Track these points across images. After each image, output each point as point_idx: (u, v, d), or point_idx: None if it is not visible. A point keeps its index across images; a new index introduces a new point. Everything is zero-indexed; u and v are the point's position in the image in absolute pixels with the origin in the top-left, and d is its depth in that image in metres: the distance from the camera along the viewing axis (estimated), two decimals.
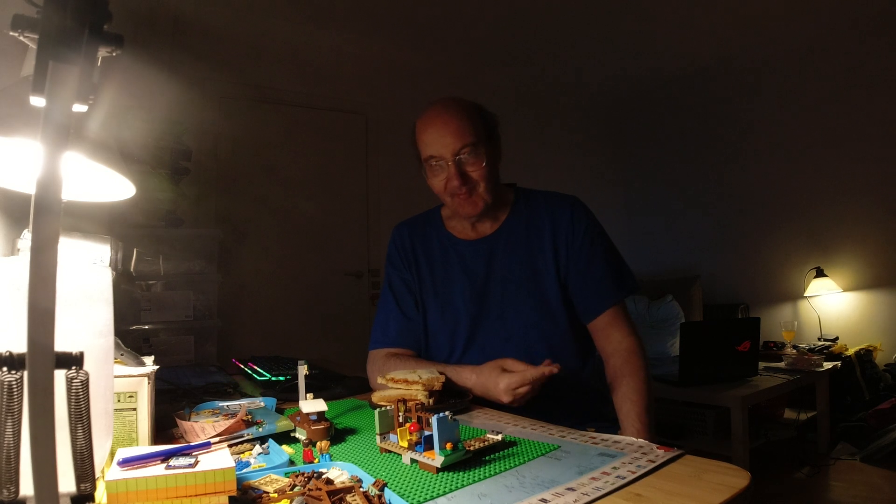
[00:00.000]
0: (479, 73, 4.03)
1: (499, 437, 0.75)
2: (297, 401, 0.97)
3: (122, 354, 0.74)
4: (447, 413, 0.68)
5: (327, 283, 3.40)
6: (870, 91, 3.34)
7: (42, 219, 0.34)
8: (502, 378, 1.00)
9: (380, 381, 1.00)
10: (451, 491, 0.60)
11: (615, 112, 4.91)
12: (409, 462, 0.69)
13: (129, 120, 2.01)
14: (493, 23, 3.42)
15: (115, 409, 0.69)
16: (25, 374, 0.34)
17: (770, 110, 3.85)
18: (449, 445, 0.66)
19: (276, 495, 0.56)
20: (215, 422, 0.85)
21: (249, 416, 0.86)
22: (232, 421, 0.79)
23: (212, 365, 1.78)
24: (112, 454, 0.61)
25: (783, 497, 2.31)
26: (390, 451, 0.74)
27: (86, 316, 0.58)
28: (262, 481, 0.60)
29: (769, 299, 3.85)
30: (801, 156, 3.68)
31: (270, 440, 0.77)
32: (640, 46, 3.79)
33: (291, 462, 0.69)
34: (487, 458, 0.70)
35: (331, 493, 0.54)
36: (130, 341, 2.00)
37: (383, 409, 0.75)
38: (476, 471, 0.65)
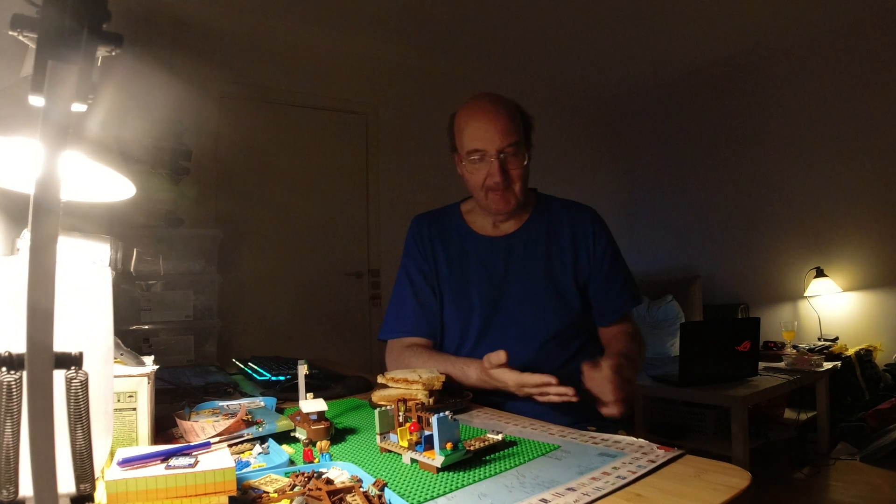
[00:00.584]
0: (479, 73, 4.03)
1: (499, 437, 0.75)
2: (297, 401, 0.97)
3: (122, 354, 0.74)
4: (447, 413, 0.68)
5: (327, 283, 3.40)
6: (870, 91, 3.34)
7: (41, 218, 0.34)
8: (511, 374, 1.01)
9: (380, 380, 1.00)
10: (451, 491, 0.59)
11: (615, 112, 4.91)
12: (409, 462, 0.69)
13: (129, 120, 2.01)
14: (494, 23, 3.42)
15: (115, 409, 0.69)
16: (25, 374, 0.34)
17: (770, 110, 3.85)
18: (449, 445, 0.66)
19: (276, 495, 0.56)
20: (215, 422, 0.85)
21: (249, 416, 0.86)
22: (232, 421, 0.79)
23: (212, 365, 1.78)
24: (112, 454, 0.61)
25: (783, 497, 2.31)
26: (390, 451, 0.74)
27: (85, 316, 0.58)
28: (262, 481, 0.60)
29: (769, 299, 3.85)
30: (801, 156, 3.68)
31: (270, 440, 0.77)
32: (640, 47, 3.79)
33: (291, 462, 0.69)
34: (487, 458, 0.70)
35: (331, 493, 0.54)
36: (130, 341, 2.00)
37: (383, 408, 0.75)
38: (476, 471, 0.65)
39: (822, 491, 2.34)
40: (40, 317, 0.33)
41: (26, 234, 0.71)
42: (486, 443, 0.72)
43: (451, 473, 0.65)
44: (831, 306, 3.54)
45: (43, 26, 0.36)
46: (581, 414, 1.17)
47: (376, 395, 0.97)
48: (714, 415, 2.53)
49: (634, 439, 0.75)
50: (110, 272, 0.63)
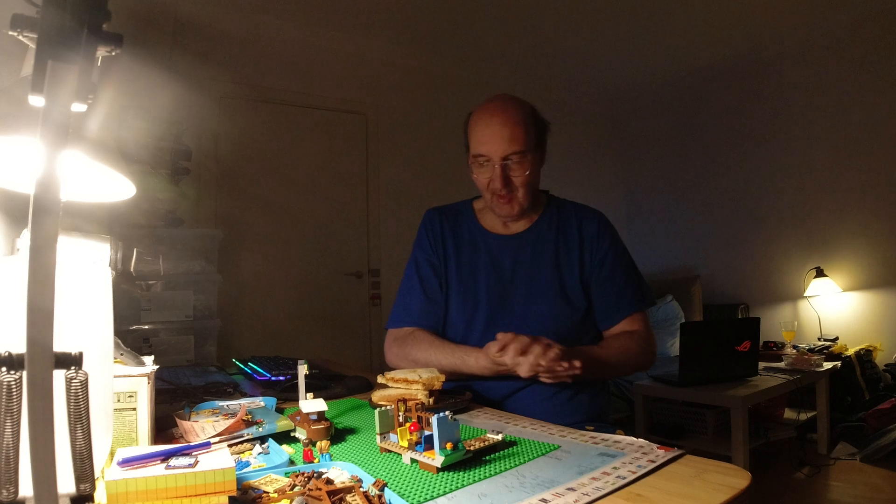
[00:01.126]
0: (479, 73, 4.03)
1: (499, 437, 0.74)
2: (297, 401, 0.97)
3: (122, 354, 0.74)
4: (447, 413, 0.68)
5: (327, 283, 3.40)
6: (870, 91, 3.34)
7: (41, 218, 0.34)
8: (521, 356, 1.01)
9: (380, 380, 1.00)
10: (451, 491, 0.59)
11: (616, 112, 4.91)
12: (409, 462, 0.69)
13: (129, 120, 2.01)
14: (494, 23, 3.42)
15: (115, 409, 0.69)
16: (24, 374, 0.34)
17: (770, 110, 3.85)
18: (449, 445, 0.66)
19: (276, 495, 0.56)
20: (215, 422, 0.85)
21: (249, 416, 0.86)
22: (232, 421, 0.79)
23: (212, 365, 1.78)
24: (112, 454, 0.61)
25: (783, 497, 2.31)
26: (390, 451, 0.74)
27: (85, 316, 0.58)
28: (262, 481, 0.60)
29: (769, 299, 3.85)
30: (801, 156, 3.68)
31: (270, 440, 0.77)
32: (641, 48, 3.79)
33: (291, 462, 0.69)
34: (487, 458, 0.70)
35: (331, 493, 0.54)
36: (130, 341, 2.00)
37: (383, 408, 0.75)
38: (476, 471, 0.65)
39: (822, 491, 2.34)
40: (40, 317, 0.33)
41: (26, 234, 0.71)
42: (486, 443, 0.72)
43: (451, 473, 0.65)
44: (831, 306, 3.54)
45: (43, 26, 0.36)
46: (581, 414, 1.18)
47: (376, 395, 0.97)
48: (714, 415, 2.53)
49: (634, 439, 0.75)
50: (110, 272, 0.63)
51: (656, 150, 4.66)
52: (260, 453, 0.72)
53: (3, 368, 0.36)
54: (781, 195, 3.78)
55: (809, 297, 3.56)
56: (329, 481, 0.58)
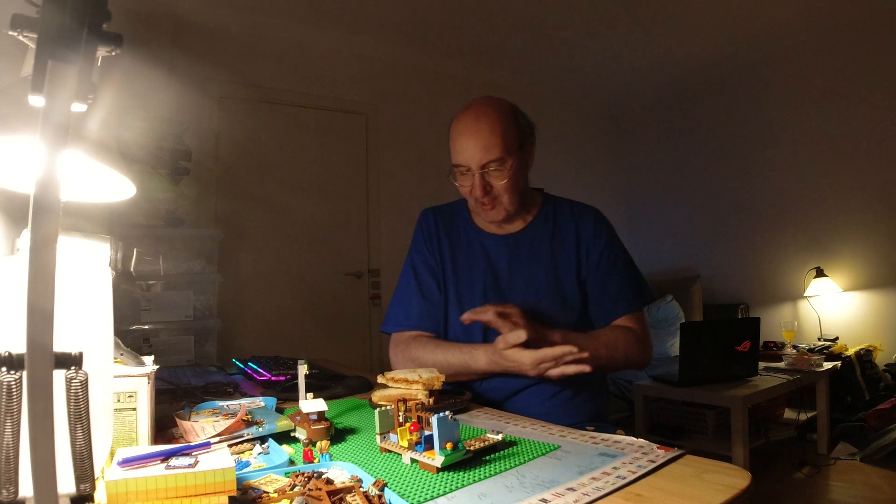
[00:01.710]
0: (479, 73, 4.03)
1: (499, 437, 0.74)
2: (297, 400, 0.97)
3: (122, 354, 0.74)
4: (447, 413, 0.68)
5: (327, 283, 3.40)
6: (870, 91, 3.34)
7: (41, 218, 0.34)
8: (527, 353, 1.01)
9: (380, 380, 1.00)
10: (451, 491, 0.59)
11: (615, 112, 4.91)
12: (409, 462, 0.69)
13: (129, 120, 2.01)
14: (494, 23, 3.42)
15: (115, 409, 0.69)
16: (25, 374, 0.34)
17: (770, 111, 3.85)
18: (449, 445, 0.66)
19: (276, 495, 0.56)
20: (215, 422, 0.85)
21: (249, 416, 0.86)
22: (232, 421, 0.79)
23: (212, 365, 1.78)
24: (112, 454, 0.61)
25: (783, 497, 2.31)
26: (390, 451, 0.74)
27: (85, 316, 0.58)
28: (262, 481, 0.60)
29: (769, 299, 3.85)
30: (801, 155, 3.68)
31: (270, 440, 0.77)
32: (640, 48, 3.79)
33: (291, 462, 0.69)
34: (487, 458, 0.70)
35: (331, 493, 0.54)
36: (130, 341, 2.00)
37: (383, 408, 0.75)
38: (476, 471, 0.65)
39: (822, 491, 2.34)
40: (40, 317, 0.33)
41: (26, 234, 0.71)
42: (486, 443, 0.72)
43: (451, 473, 0.65)
44: (831, 306, 3.54)
45: (43, 26, 0.36)
46: (581, 414, 1.18)
47: (376, 395, 0.97)
48: (714, 415, 2.53)
49: (634, 439, 0.75)
50: (110, 272, 0.63)
51: (656, 151, 4.66)
52: (260, 453, 0.72)
53: (3, 368, 0.36)
54: (782, 195, 3.78)
55: (809, 297, 3.56)
56: (329, 481, 0.58)
